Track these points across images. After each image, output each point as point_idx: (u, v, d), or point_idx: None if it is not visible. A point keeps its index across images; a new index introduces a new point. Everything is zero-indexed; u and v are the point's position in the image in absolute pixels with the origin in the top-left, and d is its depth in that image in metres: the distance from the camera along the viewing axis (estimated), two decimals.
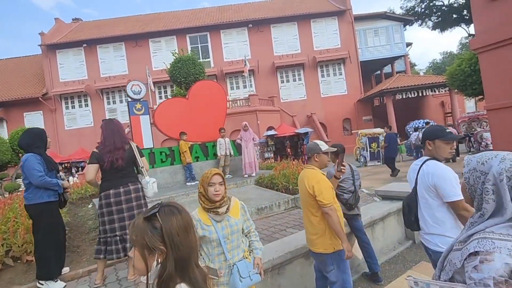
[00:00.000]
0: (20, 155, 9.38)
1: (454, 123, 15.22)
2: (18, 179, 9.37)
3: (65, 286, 2.84)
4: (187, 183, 6.42)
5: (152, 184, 2.94)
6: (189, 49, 21.98)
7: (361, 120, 21.87)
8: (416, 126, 12.35)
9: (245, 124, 6.86)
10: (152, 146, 6.30)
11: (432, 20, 27.97)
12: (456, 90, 11.80)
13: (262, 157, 18.24)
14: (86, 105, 21.71)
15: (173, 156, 6.44)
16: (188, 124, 6.79)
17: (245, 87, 22.14)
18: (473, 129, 13.16)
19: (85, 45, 21.26)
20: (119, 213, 2.73)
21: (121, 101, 21.55)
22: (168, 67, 7.97)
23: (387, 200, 4.23)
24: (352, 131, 19.84)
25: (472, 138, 12.11)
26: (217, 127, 7.09)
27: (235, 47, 22.26)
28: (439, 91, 18.92)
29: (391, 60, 24.91)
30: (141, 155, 2.98)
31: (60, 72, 21.42)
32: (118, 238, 2.73)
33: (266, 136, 17.94)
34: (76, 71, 21.51)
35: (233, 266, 1.73)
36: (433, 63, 46.51)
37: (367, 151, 12.92)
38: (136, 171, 2.99)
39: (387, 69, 27.02)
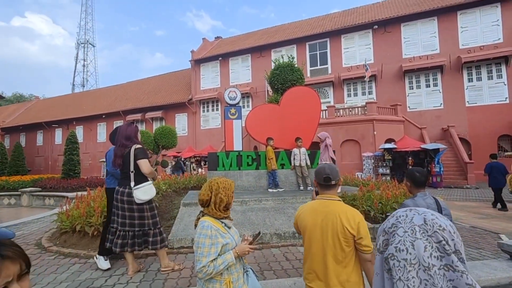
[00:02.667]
0: (160, 146, 11.82)
1: None
2: (156, 165, 11.90)
3: (109, 268, 3.27)
4: (269, 189, 6.43)
5: (135, 190, 2.97)
6: (308, 56, 22.24)
7: None
8: None
9: (322, 135, 6.18)
10: (241, 149, 6.66)
11: None
12: None
13: (376, 172, 16.24)
14: (217, 109, 25.54)
15: (259, 161, 6.59)
16: (277, 130, 6.81)
17: (364, 94, 20.36)
18: None
19: (220, 58, 25.10)
20: (115, 208, 3.07)
21: (243, 106, 24.11)
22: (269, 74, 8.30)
23: None
24: (506, 153, 14.71)
25: None
26: (308, 134, 6.78)
27: (356, 52, 20.83)
28: None
29: None
30: (139, 158, 3.01)
31: (201, 82, 26.14)
32: (114, 231, 3.03)
33: (382, 149, 15.86)
34: (212, 81, 25.71)
35: (247, 270, 1.76)
36: None
37: None
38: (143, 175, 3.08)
39: None
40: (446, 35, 18.43)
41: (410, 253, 0.63)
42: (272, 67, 8.61)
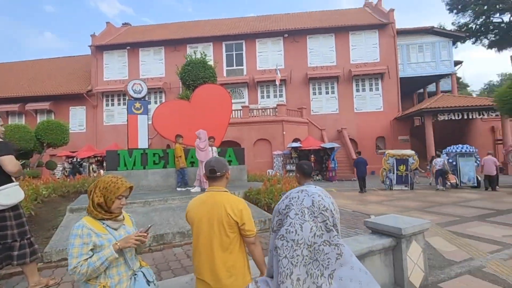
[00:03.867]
0: (44, 144, 9.94)
1: (501, 152, 13.36)
2: (38, 167, 9.93)
3: None
4: (178, 188, 6.19)
5: None
6: (224, 56, 22.45)
7: (397, 140, 20.20)
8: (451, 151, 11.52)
9: (197, 133, 6.25)
10: (147, 147, 6.20)
11: (489, 38, 25.29)
12: (506, 114, 10.22)
13: (284, 168, 17.67)
14: (124, 104, 23.07)
15: (167, 159, 6.27)
16: (188, 128, 6.60)
17: (275, 96, 21.86)
18: None
19: (128, 47, 22.79)
20: None
21: (155, 102, 22.55)
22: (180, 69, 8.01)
23: (376, 234, 3.51)
24: (379, 151, 18.36)
25: None
26: (219, 133, 6.81)
27: (269, 56, 22.18)
28: (488, 115, 16.76)
29: (436, 78, 22.81)
30: (2, 154, 2.51)
31: (105, 72, 23.17)
32: None
33: (290, 148, 17.39)
34: (118, 71, 23.10)
35: (136, 273, 1.60)
36: (489, 85, 42.10)
37: (393, 173, 11.73)
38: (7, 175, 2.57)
39: (431, 87, 24.84)
40: (341, 50, 21.55)
41: (298, 234, 0.67)
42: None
